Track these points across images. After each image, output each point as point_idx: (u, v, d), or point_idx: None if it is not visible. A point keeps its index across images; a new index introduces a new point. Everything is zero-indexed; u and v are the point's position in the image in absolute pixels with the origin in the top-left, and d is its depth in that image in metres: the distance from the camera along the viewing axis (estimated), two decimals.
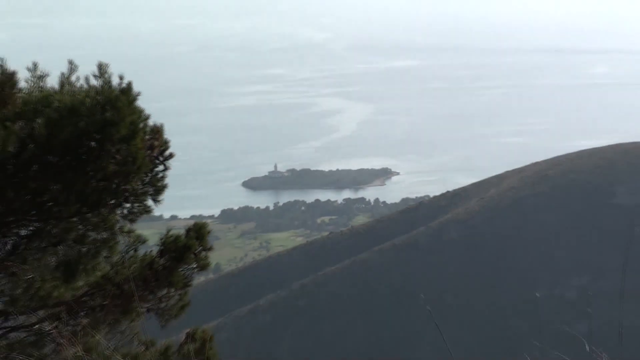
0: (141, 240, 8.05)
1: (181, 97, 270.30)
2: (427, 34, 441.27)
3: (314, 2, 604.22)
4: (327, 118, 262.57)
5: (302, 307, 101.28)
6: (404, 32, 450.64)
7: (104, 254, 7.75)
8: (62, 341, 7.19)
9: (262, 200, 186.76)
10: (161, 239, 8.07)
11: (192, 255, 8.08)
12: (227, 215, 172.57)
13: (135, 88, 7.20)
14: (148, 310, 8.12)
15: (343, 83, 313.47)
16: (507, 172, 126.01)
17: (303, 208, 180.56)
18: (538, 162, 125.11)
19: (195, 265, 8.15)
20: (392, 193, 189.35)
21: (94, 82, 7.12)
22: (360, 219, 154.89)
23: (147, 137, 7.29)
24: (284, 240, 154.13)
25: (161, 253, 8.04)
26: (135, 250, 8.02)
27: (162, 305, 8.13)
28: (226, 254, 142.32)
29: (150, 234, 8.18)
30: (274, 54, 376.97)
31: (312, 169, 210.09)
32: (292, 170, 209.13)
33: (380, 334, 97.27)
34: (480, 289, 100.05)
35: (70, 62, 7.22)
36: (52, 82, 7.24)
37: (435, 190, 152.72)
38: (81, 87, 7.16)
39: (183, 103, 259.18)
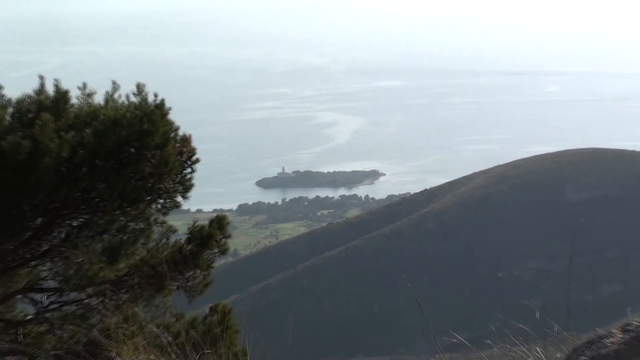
0: (172, 229, 8.08)
1: (205, 111, 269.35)
2: (411, 58, 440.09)
3: (315, 33, 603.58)
4: (325, 129, 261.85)
5: (305, 285, 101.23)
6: (391, 57, 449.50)
7: (142, 241, 7.77)
8: (106, 313, 7.21)
9: (272, 197, 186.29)
10: (189, 229, 8.11)
11: (214, 242, 8.10)
12: (243, 209, 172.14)
13: (167, 104, 7.22)
14: (177, 288, 8.15)
15: (339, 100, 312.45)
16: (475, 173, 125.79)
17: (306, 203, 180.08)
18: (500, 165, 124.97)
19: (216, 251, 8.17)
20: (379, 191, 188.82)
21: (133, 99, 7.16)
22: (353, 212, 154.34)
23: (177, 144, 7.32)
24: (290, 229, 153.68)
25: (189, 240, 8.07)
26: (167, 238, 8.05)
27: (189, 283, 8.15)
28: (242, 241, 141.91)
29: (179, 224, 8.19)
30: (281, 76, 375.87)
31: (314, 170, 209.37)
32: (297, 172, 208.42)
33: (370, 307, 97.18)
34: (453, 271, 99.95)
35: (114, 83, 7.26)
36: (99, 99, 7.26)
37: (415, 188, 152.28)
38: (122, 103, 7.19)
39: (206, 117, 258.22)
